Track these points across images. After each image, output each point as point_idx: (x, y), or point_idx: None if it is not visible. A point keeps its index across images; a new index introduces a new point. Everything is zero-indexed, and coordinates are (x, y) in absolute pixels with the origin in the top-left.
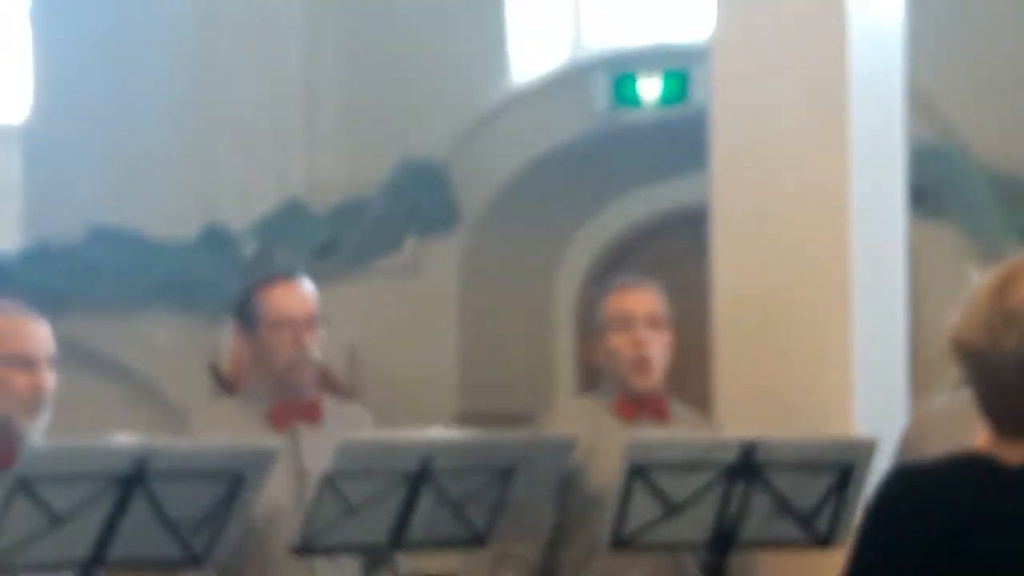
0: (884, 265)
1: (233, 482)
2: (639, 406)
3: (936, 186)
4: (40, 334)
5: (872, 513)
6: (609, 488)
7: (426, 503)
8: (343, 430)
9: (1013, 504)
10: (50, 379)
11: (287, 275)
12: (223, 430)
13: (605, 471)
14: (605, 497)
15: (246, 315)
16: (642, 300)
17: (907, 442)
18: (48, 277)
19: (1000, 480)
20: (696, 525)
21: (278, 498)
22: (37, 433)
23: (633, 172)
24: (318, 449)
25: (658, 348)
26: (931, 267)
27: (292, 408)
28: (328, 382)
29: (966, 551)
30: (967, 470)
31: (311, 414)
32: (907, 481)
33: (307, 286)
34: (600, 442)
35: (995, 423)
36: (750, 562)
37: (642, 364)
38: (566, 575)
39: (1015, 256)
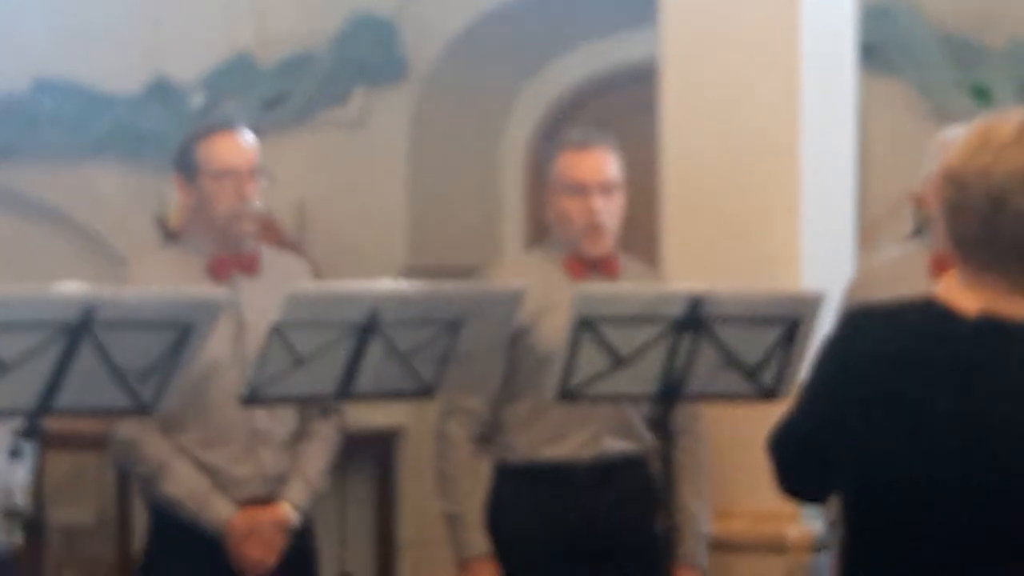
0: (833, 120)
1: (181, 332)
2: (590, 266)
3: (886, 43)
4: None
5: (826, 352)
6: (557, 345)
7: (374, 354)
8: (281, 280)
9: (961, 353)
10: None
11: (227, 126)
12: (161, 280)
13: (556, 328)
14: (553, 353)
15: (186, 165)
16: (595, 165)
17: (852, 294)
18: None
19: (953, 328)
20: (643, 378)
21: (217, 349)
22: None
23: (583, 26)
24: (257, 301)
25: (611, 214)
26: (880, 123)
27: (231, 259)
28: (271, 233)
29: (912, 395)
30: (920, 315)
31: (250, 266)
32: (861, 323)
33: (248, 136)
34: (550, 298)
35: (961, 253)
36: (695, 414)
37: (595, 231)
38: (514, 431)
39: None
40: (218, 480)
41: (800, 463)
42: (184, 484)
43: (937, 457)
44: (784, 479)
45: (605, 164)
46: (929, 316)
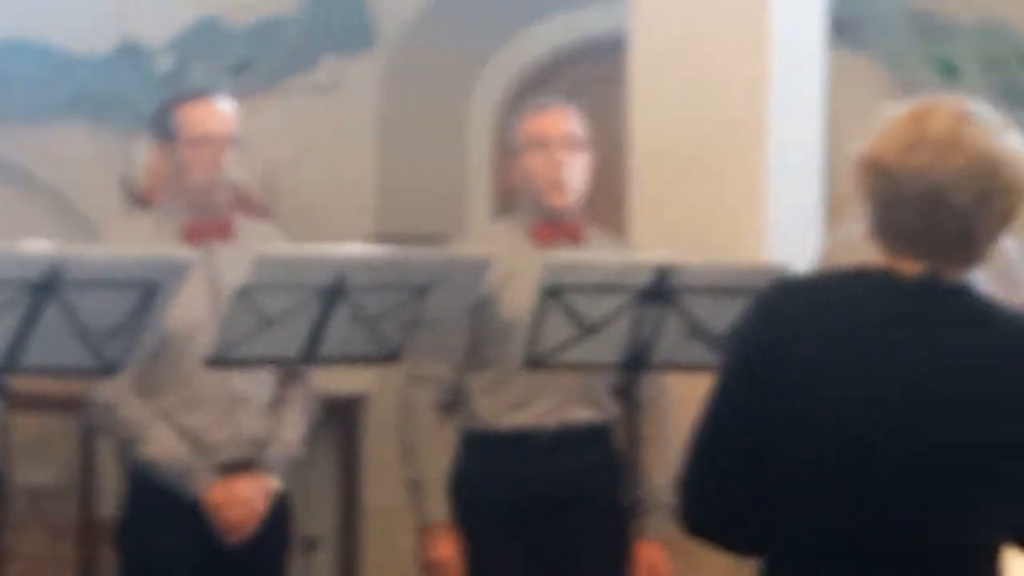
0: (802, 94)
1: (146, 291)
2: (555, 230)
3: (855, 18)
4: None
5: (754, 320)
6: (523, 313)
7: (340, 318)
8: (255, 247)
9: (910, 310)
10: None
11: (208, 93)
12: (137, 243)
13: (520, 296)
14: (519, 322)
15: (164, 130)
16: (558, 121)
17: (820, 267)
18: None
19: (897, 289)
20: (609, 346)
21: (195, 313)
22: None
23: None
24: (231, 266)
25: (575, 169)
26: (849, 98)
27: (206, 225)
28: (243, 201)
29: (857, 356)
30: (861, 281)
31: (224, 232)
32: (792, 291)
33: (226, 104)
34: (516, 267)
35: (890, 241)
36: (660, 384)
37: (558, 184)
38: (479, 398)
39: (934, 94)
40: (197, 443)
41: (725, 467)
42: (163, 447)
43: (882, 419)
44: (704, 504)
45: (567, 120)
46: (869, 277)
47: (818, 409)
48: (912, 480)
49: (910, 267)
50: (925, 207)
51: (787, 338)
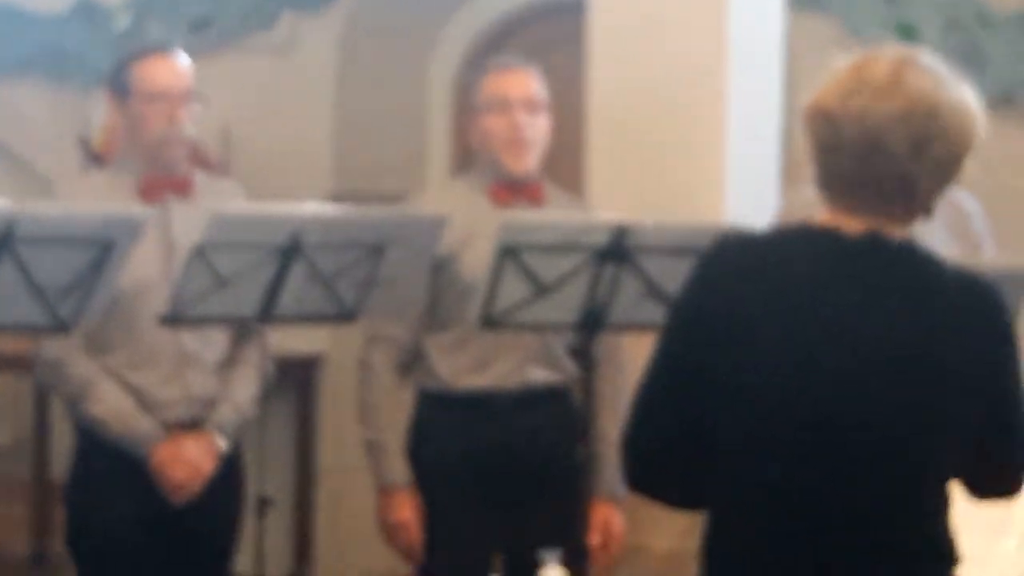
0: (760, 55)
1: (102, 249)
2: (514, 191)
3: None
4: None
5: (695, 279)
6: (481, 273)
7: (296, 277)
8: (214, 205)
9: (851, 271)
10: None
11: (164, 48)
12: (92, 200)
13: (479, 257)
14: (478, 282)
15: (120, 86)
16: (519, 82)
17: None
18: None
19: (839, 248)
20: (566, 307)
21: (147, 270)
22: None
23: None
24: (188, 223)
25: (535, 131)
26: (808, 60)
27: (163, 181)
28: (200, 158)
29: (788, 313)
30: (803, 240)
31: (182, 188)
32: (734, 250)
33: (183, 60)
34: (474, 227)
35: (832, 192)
36: (616, 344)
37: (518, 146)
38: (437, 359)
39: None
40: (144, 402)
41: (668, 423)
42: (110, 405)
43: (821, 371)
44: (646, 461)
45: (528, 82)
46: (811, 235)
47: (756, 370)
48: (852, 441)
49: (854, 224)
50: (862, 152)
51: (727, 298)
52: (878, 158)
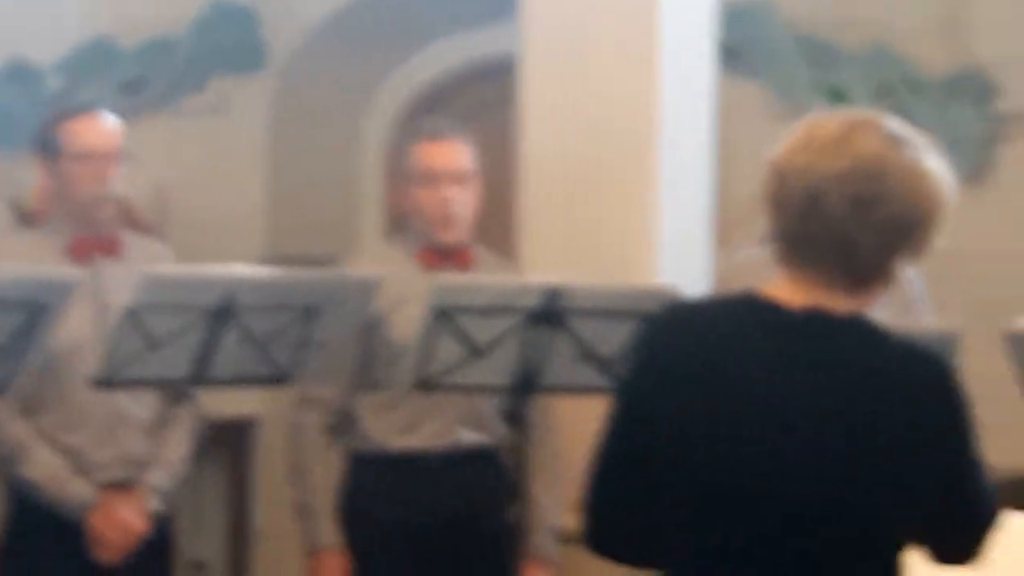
0: (691, 119)
1: (32, 312)
2: (443, 256)
3: (744, 44)
4: None
5: (639, 347)
6: (412, 337)
7: (229, 340)
8: (144, 265)
9: (790, 349)
10: None
11: (91, 108)
12: (20, 262)
13: (409, 319)
14: (408, 345)
15: (48, 146)
16: (447, 155)
17: (717, 291)
18: None
19: (782, 322)
20: (499, 369)
21: (78, 332)
22: None
23: (445, 19)
24: (118, 283)
25: (463, 205)
26: (738, 124)
27: (92, 242)
28: (130, 218)
29: (731, 387)
30: (743, 308)
31: (111, 248)
32: (677, 320)
33: (111, 120)
34: (405, 290)
35: (780, 248)
36: (547, 407)
37: (446, 220)
38: (367, 420)
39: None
40: (78, 463)
41: (618, 496)
42: (42, 467)
43: (761, 452)
44: (604, 520)
45: (458, 154)
46: (753, 309)
47: (697, 447)
48: (793, 516)
49: (798, 295)
50: (802, 209)
51: (669, 370)
52: (817, 216)
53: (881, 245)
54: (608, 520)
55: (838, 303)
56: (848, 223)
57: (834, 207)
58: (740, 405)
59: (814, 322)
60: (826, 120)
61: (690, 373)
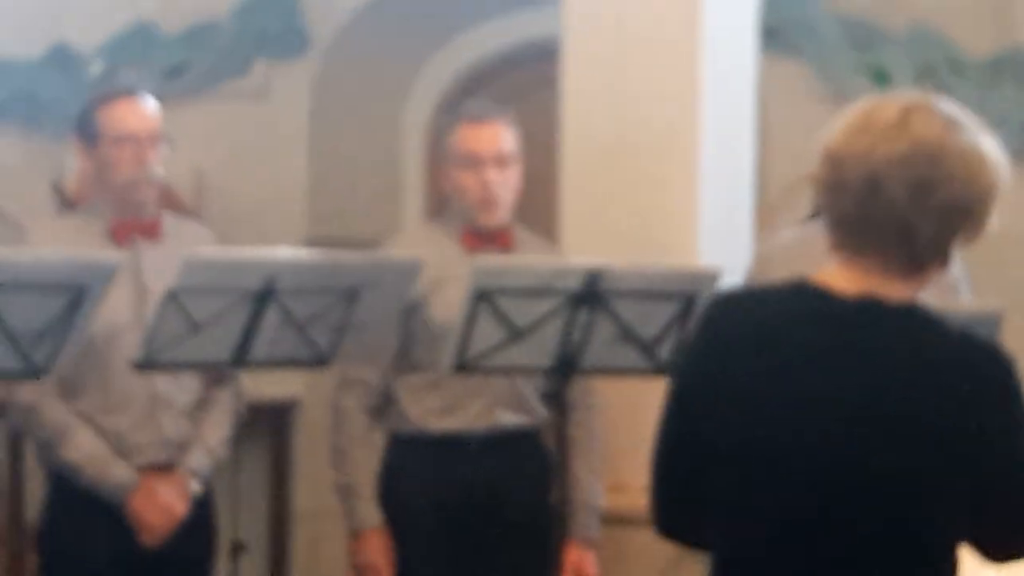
0: (733, 100)
1: (75, 294)
2: (484, 239)
3: (787, 25)
4: None
5: (694, 339)
6: (453, 318)
7: (270, 322)
8: (184, 248)
9: (843, 339)
10: None
11: (129, 91)
12: (62, 245)
13: (449, 301)
14: (449, 327)
15: (87, 130)
16: (490, 138)
17: (751, 276)
18: None
19: (835, 311)
20: (539, 351)
21: (118, 314)
22: None
23: (486, 2)
24: (159, 266)
25: (505, 188)
26: (780, 106)
27: (133, 225)
28: (170, 201)
29: (784, 376)
30: (796, 296)
31: (152, 231)
32: (729, 311)
33: (150, 102)
34: (446, 271)
35: (836, 234)
36: (589, 388)
37: (488, 203)
38: (408, 402)
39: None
40: (118, 446)
41: (675, 479)
42: (83, 450)
43: (816, 442)
44: (664, 503)
45: (500, 137)
46: (806, 297)
47: (750, 437)
48: (847, 508)
49: (852, 282)
50: (862, 194)
51: (723, 360)
52: (876, 201)
53: (940, 229)
54: (669, 502)
55: (893, 288)
56: (908, 207)
57: (894, 192)
58: (792, 395)
59: (868, 311)
60: (882, 104)
61: (744, 361)
